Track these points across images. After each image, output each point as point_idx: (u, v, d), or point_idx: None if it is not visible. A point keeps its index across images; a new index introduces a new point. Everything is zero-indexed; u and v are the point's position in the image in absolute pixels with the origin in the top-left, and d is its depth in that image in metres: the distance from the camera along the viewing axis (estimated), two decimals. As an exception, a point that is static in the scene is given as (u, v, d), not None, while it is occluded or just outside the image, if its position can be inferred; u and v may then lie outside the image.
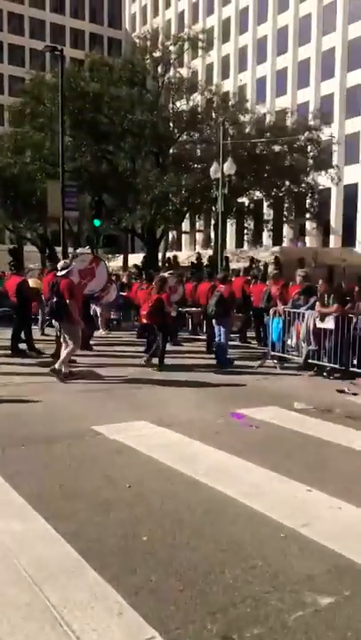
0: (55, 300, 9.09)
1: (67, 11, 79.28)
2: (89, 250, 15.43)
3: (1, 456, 5.28)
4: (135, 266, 24.67)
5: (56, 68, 26.15)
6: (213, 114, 29.03)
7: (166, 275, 11.46)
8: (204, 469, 4.99)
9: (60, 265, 9.75)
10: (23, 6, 76.35)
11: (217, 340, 10.84)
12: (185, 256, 39.92)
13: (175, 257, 29.04)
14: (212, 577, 3.27)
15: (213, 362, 10.72)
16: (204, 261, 24.96)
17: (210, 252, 34.69)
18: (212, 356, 11.07)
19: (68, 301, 9.01)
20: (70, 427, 6.34)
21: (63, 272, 9.37)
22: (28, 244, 40.87)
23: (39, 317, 14.79)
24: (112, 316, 17.16)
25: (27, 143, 29.30)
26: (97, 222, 23.67)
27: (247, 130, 29.62)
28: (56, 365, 9.01)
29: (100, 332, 15.07)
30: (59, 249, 22.38)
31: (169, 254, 37.63)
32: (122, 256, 39.96)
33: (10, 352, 11.41)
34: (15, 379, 9.11)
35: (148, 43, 29.45)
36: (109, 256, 36.07)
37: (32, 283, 12.90)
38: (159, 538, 3.73)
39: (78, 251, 14.54)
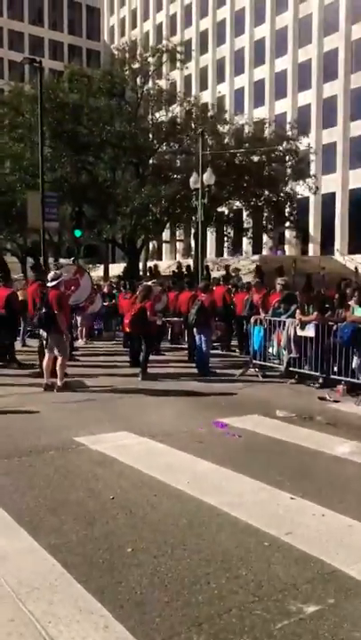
0: (44, 310, 9.04)
1: (45, 23, 79.44)
2: (72, 261, 15.39)
3: (-18, 470, 5.22)
4: (119, 276, 24.69)
5: (35, 80, 26.18)
6: (193, 124, 29.26)
7: (150, 283, 11.47)
8: (188, 479, 4.99)
9: (50, 275, 9.71)
10: (2, 18, 76.35)
11: (198, 349, 10.87)
12: (166, 265, 40.05)
13: (156, 266, 29.15)
14: (197, 587, 3.27)
15: (195, 371, 10.74)
16: (185, 270, 25.06)
17: (190, 260, 34.86)
18: (194, 364, 11.09)
19: (56, 312, 8.98)
20: (53, 438, 6.30)
21: (53, 283, 9.34)
22: (8, 255, 40.61)
23: (20, 328, 14.69)
24: (94, 326, 17.11)
25: (6, 154, 29.19)
26: (77, 233, 23.65)
27: (226, 140, 29.90)
28: (58, 383, 8.97)
29: (80, 342, 15.01)
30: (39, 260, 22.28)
31: (150, 264, 37.73)
32: (103, 266, 39.92)
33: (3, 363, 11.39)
34: (2, 389, 9.04)
35: (127, 54, 29.64)
36: (90, 266, 35.98)
37: (20, 294, 12.84)
38: (144, 549, 3.72)
39: (62, 261, 14.52)
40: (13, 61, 67.58)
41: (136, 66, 29.05)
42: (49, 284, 9.44)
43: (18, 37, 77.21)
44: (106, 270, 39.52)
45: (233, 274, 22.00)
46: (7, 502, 4.43)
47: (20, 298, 12.87)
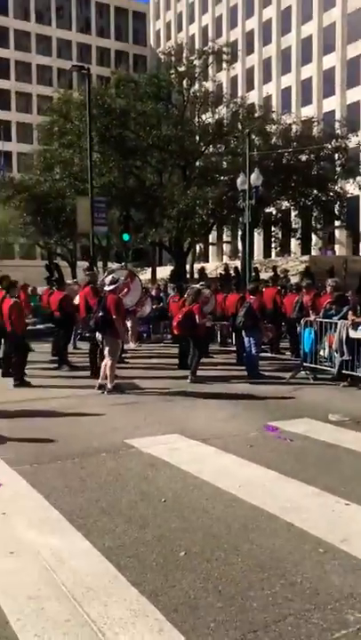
0: (101, 314, 9.16)
1: (93, 30, 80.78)
2: (122, 265, 15.58)
3: (38, 471, 5.32)
4: (168, 279, 24.80)
5: (83, 87, 26.65)
6: (239, 125, 29.12)
7: (198, 286, 11.48)
8: (240, 483, 4.95)
9: (107, 280, 9.83)
10: (50, 27, 78.08)
11: (247, 351, 10.78)
12: (213, 267, 39.97)
13: (203, 268, 29.12)
14: (251, 593, 3.23)
15: (245, 373, 10.66)
16: (232, 272, 24.92)
17: (238, 262, 34.68)
18: (243, 367, 11.01)
19: (114, 317, 9.09)
20: (104, 440, 6.37)
21: (111, 287, 9.46)
22: (59, 259, 41.44)
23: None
24: (141, 329, 17.24)
25: (56, 160, 29.82)
26: (126, 237, 23.95)
27: (274, 140, 29.62)
28: (108, 385, 9.09)
29: (130, 345, 15.14)
30: (87, 264, 22.62)
31: (197, 266, 37.75)
32: (150, 269, 40.20)
33: (56, 365, 11.64)
34: (50, 393, 9.21)
35: (173, 58, 29.75)
36: (138, 269, 36.34)
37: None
38: (197, 553, 3.71)
39: (114, 266, 14.73)
40: (62, 69, 69.10)
41: (182, 69, 29.15)
42: (106, 289, 9.55)
43: (66, 45, 78.80)
44: (153, 273, 39.80)
45: (281, 275, 21.76)
46: (61, 504, 4.50)
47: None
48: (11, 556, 3.62)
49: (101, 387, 9.18)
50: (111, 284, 9.54)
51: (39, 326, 11.70)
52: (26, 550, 3.71)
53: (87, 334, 15.36)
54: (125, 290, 11.66)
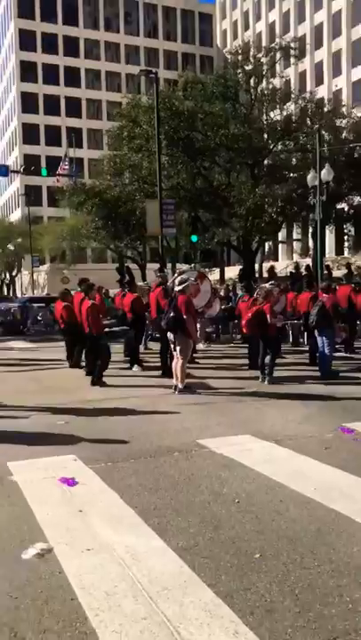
0: (172, 314, 9.25)
1: (160, 34, 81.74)
2: (191, 266, 15.68)
3: (112, 470, 5.41)
4: (238, 279, 24.68)
5: (151, 91, 26.99)
6: (308, 121, 28.58)
7: (268, 285, 11.34)
8: (315, 486, 4.84)
9: (177, 280, 9.92)
10: (119, 34, 79.67)
11: (320, 351, 10.55)
12: (283, 266, 39.43)
13: (272, 267, 28.76)
14: (329, 600, 3.14)
15: (318, 374, 10.44)
16: (303, 270, 24.47)
17: (309, 260, 34.02)
18: (317, 367, 10.78)
19: (184, 316, 9.16)
20: (177, 440, 6.40)
21: (180, 287, 9.54)
22: (129, 262, 42.17)
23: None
24: (210, 329, 17.24)
25: (125, 165, 30.31)
26: (194, 238, 24.05)
27: (344, 135, 28.88)
28: (180, 385, 9.16)
29: (200, 346, 15.16)
30: (157, 265, 22.90)
31: (266, 265, 37.34)
32: (218, 269, 40.15)
33: (128, 365, 11.85)
34: (123, 393, 9.37)
35: (240, 57, 29.57)
36: (206, 270, 36.38)
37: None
38: (272, 556, 3.65)
39: (184, 267, 14.88)
40: (130, 74, 70.34)
41: (249, 67, 28.94)
42: (176, 289, 9.62)
43: (134, 51, 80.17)
44: (222, 273, 39.73)
45: (355, 272, 21.17)
46: (136, 503, 4.55)
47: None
48: (88, 553, 3.70)
49: (176, 388, 9.24)
50: (180, 284, 9.59)
51: (115, 328, 11.97)
52: (102, 547, 3.77)
53: (157, 335, 15.56)
54: (196, 291, 11.71)
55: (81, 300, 10.87)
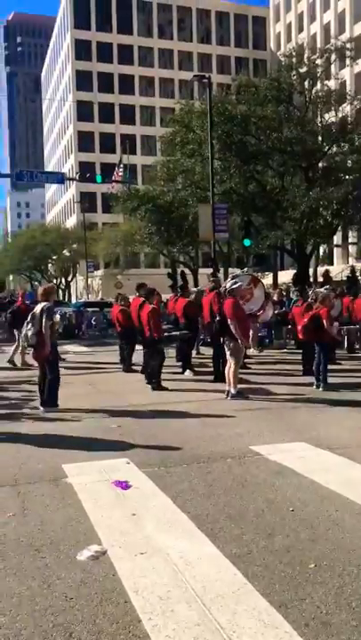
0: (218, 318, 9.27)
1: (213, 39, 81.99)
2: (244, 270, 15.60)
3: (165, 474, 5.43)
4: (292, 283, 24.41)
5: (204, 96, 27.04)
6: (364, 122, 27.98)
7: (324, 290, 11.17)
8: (372, 496, 4.71)
9: (227, 285, 9.93)
10: (172, 41, 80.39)
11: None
12: (338, 270, 38.69)
13: (327, 271, 28.25)
14: (388, 614, 3.05)
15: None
16: (359, 275, 23.93)
17: (365, 265, 33.23)
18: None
19: (229, 320, 9.13)
20: (229, 446, 6.37)
21: (229, 290, 9.54)
22: (181, 267, 42.36)
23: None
24: (263, 334, 17.08)
25: (178, 170, 30.48)
26: (247, 242, 23.92)
27: None
28: (232, 390, 9.13)
29: (252, 351, 15.05)
30: (210, 270, 22.90)
31: (320, 269, 36.72)
32: (271, 274, 39.75)
33: (181, 371, 11.90)
34: (176, 397, 9.40)
35: (294, 59, 29.26)
36: (259, 274, 36.13)
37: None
38: (327, 566, 3.58)
39: (237, 272, 14.85)
40: (183, 80, 70.74)
41: (303, 69, 28.60)
42: (226, 293, 9.61)
43: (187, 57, 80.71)
44: (275, 278, 39.33)
45: None
46: (189, 508, 4.55)
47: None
48: (141, 557, 3.72)
49: (230, 395, 9.20)
50: (231, 287, 9.57)
51: (175, 333, 12.08)
52: (155, 551, 3.79)
53: (209, 339, 15.55)
54: (249, 295, 11.64)
55: (140, 305, 11.02)
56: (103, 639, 2.88)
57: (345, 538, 3.98)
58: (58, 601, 3.24)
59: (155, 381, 10.27)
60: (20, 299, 15.59)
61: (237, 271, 18.54)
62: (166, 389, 10.07)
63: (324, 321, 9.75)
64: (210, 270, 22.18)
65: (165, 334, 11.22)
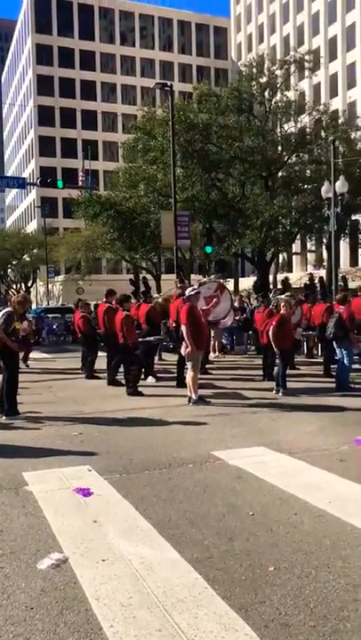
0: (174, 325, 9.33)
1: (175, 48, 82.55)
2: (210, 277, 15.73)
3: (127, 481, 5.43)
4: (252, 290, 24.70)
5: (166, 103, 27.20)
6: (323, 133, 28.62)
7: (284, 297, 11.36)
8: (330, 499, 4.81)
9: (187, 290, 9.99)
10: (134, 48, 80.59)
11: (339, 362, 10.50)
12: (297, 277, 39.33)
13: (287, 278, 28.70)
14: (345, 614, 3.12)
15: (332, 385, 10.38)
16: (317, 282, 24.40)
17: (323, 272, 33.91)
18: (332, 379, 10.73)
19: (182, 326, 9.19)
20: (191, 452, 6.40)
21: (186, 296, 9.61)
22: (144, 272, 42.34)
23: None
24: (223, 341, 17.23)
25: (140, 177, 30.52)
26: (208, 249, 24.11)
27: (359, 146, 28.85)
28: (193, 396, 9.16)
29: (214, 356, 15.17)
30: (172, 276, 22.97)
31: (280, 276, 37.28)
32: (232, 280, 40.11)
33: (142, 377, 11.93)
34: (138, 403, 9.40)
35: (254, 69, 29.73)
36: (221, 281, 36.40)
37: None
38: (286, 569, 3.64)
39: (205, 279, 14.98)
40: (146, 87, 70.96)
41: (264, 80, 29.07)
42: (183, 298, 9.68)
43: (149, 64, 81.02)
44: (236, 284, 39.72)
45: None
46: (150, 514, 4.56)
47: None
48: (103, 564, 3.71)
49: (190, 400, 9.25)
50: (188, 294, 9.63)
51: (149, 338, 12.10)
52: (117, 558, 3.79)
53: (172, 345, 15.60)
54: (215, 301, 11.73)
55: (110, 310, 11.06)
56: (64, 647, 2.87)
57: (304, 540, 4.06)
58: (18, 611, 3.20)
59: (132, 386, 10.26)
60: None
61: (200, 277, 18.69)
62: (141, 394, 10.11)
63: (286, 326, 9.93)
64: (173, 276, 22.25)
65: (140, 339, 11.20)
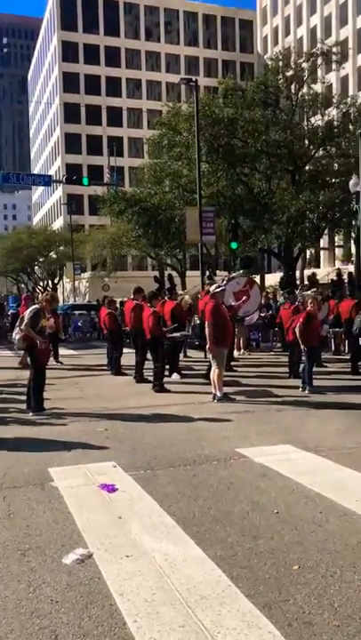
0: (198, 322, 9.34)
1: (200, 42, 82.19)
2: (240, 273, 15.70)
3: (151, 477, 5.46)
4: (279, 286, 24.55)
5: (191, 99, 27.12)
6: (351, 126, 28.20)
7: (311, 293, 11.28)
8: (356, 498, 4.77)
9: (212, 287, 9.98)
10: (159, 44, 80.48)
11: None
12: (324, 273, 38.94)
13: (314, 274, 28.42)
14: (370, 614, 3.09)
15: (360, 383, 10.27)
16: (345, 277, 24.10)
17: (351, 267, 33.49)
18: (358, 377, 10.61)
19: (206, 323, 9.18)
20: (215, 449, 6.41)
21: (212, 293, 9.60)
22: (169, 269, 42.37)
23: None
24: (251, 336, 17.17)
25: (165, 173, 30.51)
26: (234, 245, 23.98)
27: (387, 139, 28.36)
28: (218, 394, 9.15)
29: (239, 354, 15.12)
30: (197, 272, 22.95)
31: (307, 272, 36.93)
32: (258, 276, 39.87)
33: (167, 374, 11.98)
34: (164, 400, 9.43)
35: (281, 62, 29.43)
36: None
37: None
38: (311, 568, 3.62)
39: (234, 274, 14.96)
40: (170, 83, 70.82)
41: (290, 73, 28.77)
42: (210, 296, 9.67)
43: (174, 60, 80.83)
44: (262, 280, 39.47)
45: None
46: (174, 510, 4.58)
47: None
48: (127, 560, 3.74)
49: (215, 397, 9.24)
50: (214, 291, 9.61)
51: (175, 334, 12.12)
52: (141, 554, 3.81)
53: (197, 342, 15.61)
54: (244, 297, 11.69)
55: (137, 308, 11.28)
56: (88, 642, 2.90)
57: (329, 539, 4.03)
58: (43, 604, 3.25)
59: (158, 383, 10.30)
60: (23, 302, 15.74)
61: (226, 274, 18.64)
62: (168, 391, 10.14)
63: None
64: (198, 273, 22.23)
65: (168, 335, 11.23)
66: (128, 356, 12.72)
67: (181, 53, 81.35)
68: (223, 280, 14.32)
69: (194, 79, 22.49)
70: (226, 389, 9.39)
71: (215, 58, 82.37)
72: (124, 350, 13.21)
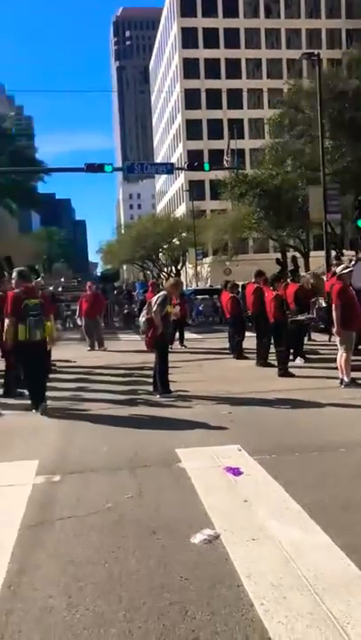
0: (324, 305, 9.08)
1: (322, 13, 78.91)
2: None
3: (277, 462, 5.44)
4: None
5: (314, 74, 26.20)
6: None
7: None
8: None
9: (338, 269, 9.68)
10: (279, 20, 78.37)
11: None
12: None
13: None
14: None
15: None
16: None
17: None
18: None
19: (333, 305, 8.90)
20: (341, 435, 6.23)
21: (338, 274, 9.30)
22: (291, 250, 41.55)
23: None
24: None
25: (287, 153, 29.88)
26: (360, 223, 22.94)
27: None
28: (345, 379, 8.92)
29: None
30: (321, 253, 22.29)
31: None
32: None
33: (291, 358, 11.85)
34: (291, 384, 9.33)
35: None
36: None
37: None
38: None
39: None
40: (291, 59, 68.78)
41: None
42: (337, 277, 9.35)
43: (295, 35, 78.34)
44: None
45: None
46: (300, 496, 4.53)
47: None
48: (253, 543, 3.77)
49: (341, 382, 8.98)
50: (340, 272, 9.24)
51: (300, 317, 11.93)
52: (267, 538, 3.83)
53: (323, 325, 15.21)
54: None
55: (258, 291, 11.33)
56: (217, 620, 2.98)
57: None
58: (173, 580, 3.38)
59: (282, 367, 10.24)
60: (150, 288, 16.41)
61: (353, 254, 17.89)
62: (293, 375, 10.05)
63: None
64: (322, 253, 21.60)
65: (291, 318, 11.07)
66: (250, 340, 12.70)
67: (303, 27, 78.62)
68: (351, 261, 13.79)
69: (316, 53, 21.70)
70: (354, 374, 9.07)
71: (338, 28, 78.63)
72: (246, 334, 13.20)
